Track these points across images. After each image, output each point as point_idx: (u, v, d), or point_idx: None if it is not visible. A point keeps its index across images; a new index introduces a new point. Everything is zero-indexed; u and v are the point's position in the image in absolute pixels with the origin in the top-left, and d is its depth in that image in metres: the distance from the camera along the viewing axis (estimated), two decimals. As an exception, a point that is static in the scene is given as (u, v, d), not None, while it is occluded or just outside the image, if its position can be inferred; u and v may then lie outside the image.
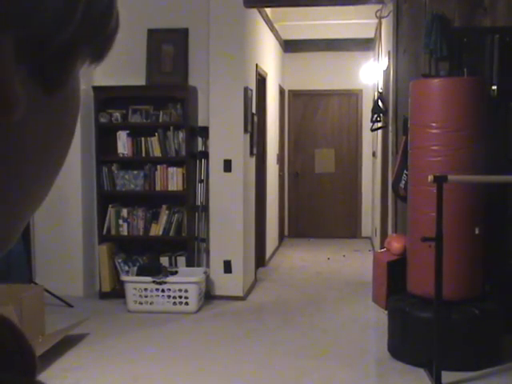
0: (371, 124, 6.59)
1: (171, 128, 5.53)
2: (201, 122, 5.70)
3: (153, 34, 5.68)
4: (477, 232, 4.00)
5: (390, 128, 5.66)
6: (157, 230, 5.62)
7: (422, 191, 4.03)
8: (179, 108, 5.54)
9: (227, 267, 5.63)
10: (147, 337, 4.63)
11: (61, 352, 4.16)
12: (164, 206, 5.62)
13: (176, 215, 5.61)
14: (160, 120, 5.56)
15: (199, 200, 5.70)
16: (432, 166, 3.92)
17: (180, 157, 5.55)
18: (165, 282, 5.21)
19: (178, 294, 5.20)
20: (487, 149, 4.07)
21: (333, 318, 5.16)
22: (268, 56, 7.37)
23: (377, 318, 5.03)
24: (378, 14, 6.33)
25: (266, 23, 7.13)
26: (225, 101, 5.54)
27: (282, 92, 8.82)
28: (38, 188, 0.37)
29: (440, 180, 3.61)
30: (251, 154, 6.06)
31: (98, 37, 0.36)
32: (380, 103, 6.30)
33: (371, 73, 7.94)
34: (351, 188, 9.36)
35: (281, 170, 8.83)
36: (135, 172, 5.61)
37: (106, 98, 5.59)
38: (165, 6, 5.68)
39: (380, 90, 6.63)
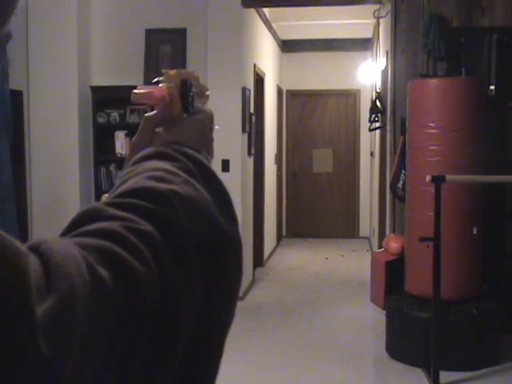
0: (369, 124, 6.59)
1: (169, 128, 5.52)
2: (199, 122, 5.69)
3: (151, 33, 5.67)
4: (475, 232, 4.00)
5: (388, 128, 5.66)
6: (155, 230, 5.60)
7: (420, 191, 4.03)
8: (177, 108, 5.52)
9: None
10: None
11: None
12: (162, 206, 5.60)
13: (174, 215, 5.59)
14: (158, 120, 5.54)
15: (197, 200, 5.69)
16: (430, 166, 3.93)
17: (178, 157, 5.53)
18: (163, 282, 5.20)
19: (175, 294, 5.19)
20: (485, 149, 4.07)
21: (331, 318, 5.16)
22: (266, 56, 7.36)
23: (375, 318, 5.03)
24: (376, 14, 6.33)
25: (264, 23, 7.12)
26: (223, 101, 5.54)
27: (279, 92, 8.82)
28: None
29: (438, 180, 3.61)
30: (249, 153, 6.05)
31: None
32: (378, 103, 6.30)
33: (369, 73, 7.94)
34: (349, 188, 9.36)
35: (279, 169, 8.82)
36: (133, 172, 5.60)
37: (104, 98, 5.58)
38: (163, 6, 5.67)
39: (378, 90, 6.63)
